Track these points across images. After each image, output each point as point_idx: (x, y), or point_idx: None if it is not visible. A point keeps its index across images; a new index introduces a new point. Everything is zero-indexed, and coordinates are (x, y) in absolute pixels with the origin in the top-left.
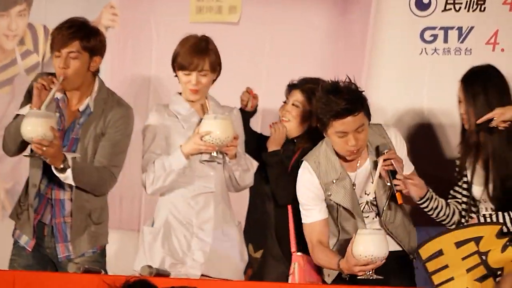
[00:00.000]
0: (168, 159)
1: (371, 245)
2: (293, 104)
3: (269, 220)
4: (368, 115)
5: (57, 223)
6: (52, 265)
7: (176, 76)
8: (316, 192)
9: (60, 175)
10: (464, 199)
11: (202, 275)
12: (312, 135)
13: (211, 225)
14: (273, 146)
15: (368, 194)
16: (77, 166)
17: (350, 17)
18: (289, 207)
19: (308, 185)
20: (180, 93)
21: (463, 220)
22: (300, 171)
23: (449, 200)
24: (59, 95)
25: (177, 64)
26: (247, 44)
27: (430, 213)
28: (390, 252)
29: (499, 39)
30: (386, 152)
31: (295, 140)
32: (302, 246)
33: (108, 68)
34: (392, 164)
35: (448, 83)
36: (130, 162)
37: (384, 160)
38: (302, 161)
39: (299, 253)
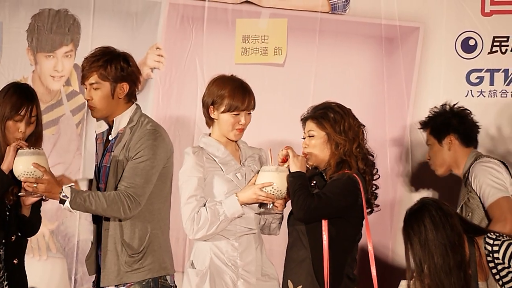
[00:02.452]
0: (222, 206)
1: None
2: (309, 136)
3: (307, 256)
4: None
5: (99, 255)
6: None
7: (210, 118)
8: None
9: (63, 207)
10: None
11: None
12: (340, 164)
13: (254, 266)
14: (295, 168)
15: None
16: (78, 195)
17: (394, 58)
18: (325, 243)
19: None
20: (209, 134)
21: None
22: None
23: None
24: (101, 129)
25: (226, 105)
26: (292, 85)
27: None
28: None
29: None
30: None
31: (323, 172)
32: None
33: (154, 107)
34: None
35: (494, 126)
36: (176, 202)
37: None
38: None
39: None
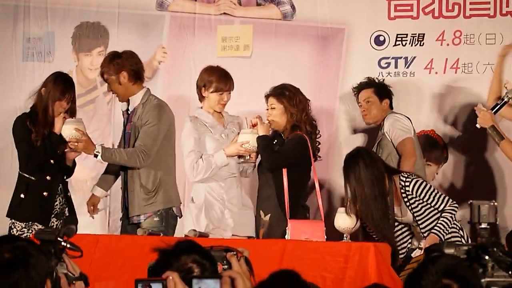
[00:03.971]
0: (213, 158)
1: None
2: (271, 108)
3: (273, 193)
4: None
5: (125, 196)
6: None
7: (202, 96)
8: None
9: (96, 159)
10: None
11: (233, 234)
12: (293, 128)
13: (236, 199)
14: (261, 132)
15: None
16: (106, 151)
17: (328, 51)
18: (285, 184)
19: None
20: (201, 107)
21: None
22: None
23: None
24: (123, 108)
25: (214, 87)
26: (257, 72)
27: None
28: None
29: (433, 65)
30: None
31: (281, 134)
32: (295, 211)
33: (161, 89)
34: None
35: (397, 98)
36: (178, 156)
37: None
38: None
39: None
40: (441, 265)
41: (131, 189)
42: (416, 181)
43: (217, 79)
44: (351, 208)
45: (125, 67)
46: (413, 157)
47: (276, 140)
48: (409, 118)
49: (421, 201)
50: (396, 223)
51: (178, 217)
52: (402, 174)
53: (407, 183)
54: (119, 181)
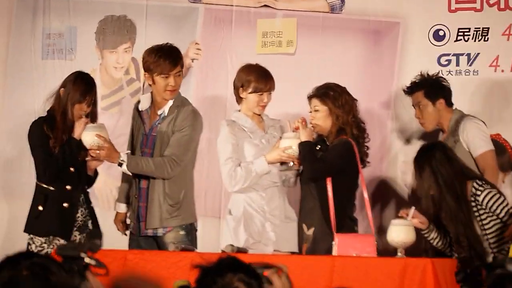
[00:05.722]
0: (253, 165)
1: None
2: (314, 111)
3: (317, 204)
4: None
5: (140, 206)
6: (155, 244)
7: (240, 97)
8: None
9: (121, 169)
10: None
11: (274, 250)
12: (339, 131)
13: (278, 211)
14: (304, 138)
15: None
16: (132, 160)
17: (381, 47)
18: (329, 194)
19: None
20: (239, 110)
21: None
22: None
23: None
24: (144, 107)
25: (253, 87)
26: (301, 70)
27: (430, 241)
28: None
29: (499, 62)
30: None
31: (325, 139)
32: (341, 224)
33: (194, 89)
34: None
35: (460, 99)
36: (214, 163)
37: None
38: None
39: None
40: None
41: (150, 199)
42: (489, 192)
43: (256, 78)
44: (423, 206)
45: (146, 68)
46: (496, 174)
47: (319, 146)
48: (484, 122)
49: (491, 214)
50: None
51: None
52: (476, 180)
53: (478, 192)
54: None
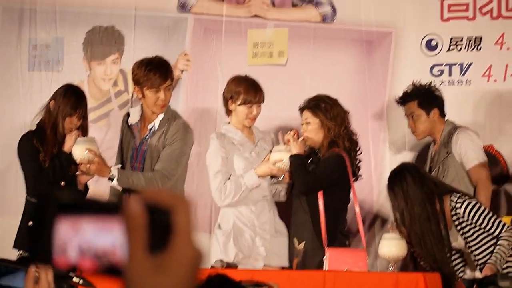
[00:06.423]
0: (243, 178)
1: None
2: (306, 123)
3: (308, 218)
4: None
5: None
6: None
7: (229, 109)
8: None
9: (111, 184)
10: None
11: (265, 265)
12: (331, 144)
13: (268, 225)
14: (295, 151)
15: None
16: (123, 174)
17: (373, 57)
18: (321, 208)
19: None
20: (229, 123)
21: None
22: None
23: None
24: (134, 121)
25: (242, 99)
26: (293, 81)
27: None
28: None
29: (492, 72)
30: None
31: (317, 151)
32: (333, 239)
33: (184, 101)
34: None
35: (453, 110)
36: (203, 177)
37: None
38: None
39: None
40: None
41: None
42: (469, 203)
43: (245, 90)
44: (399, 232)
45: (136, 82)
46: (490, 188)
47: (311, 158)
48: (477, 133)
49: (473, 226)
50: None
51: None
52: (453, 194)
53: (458, 205)
54: None
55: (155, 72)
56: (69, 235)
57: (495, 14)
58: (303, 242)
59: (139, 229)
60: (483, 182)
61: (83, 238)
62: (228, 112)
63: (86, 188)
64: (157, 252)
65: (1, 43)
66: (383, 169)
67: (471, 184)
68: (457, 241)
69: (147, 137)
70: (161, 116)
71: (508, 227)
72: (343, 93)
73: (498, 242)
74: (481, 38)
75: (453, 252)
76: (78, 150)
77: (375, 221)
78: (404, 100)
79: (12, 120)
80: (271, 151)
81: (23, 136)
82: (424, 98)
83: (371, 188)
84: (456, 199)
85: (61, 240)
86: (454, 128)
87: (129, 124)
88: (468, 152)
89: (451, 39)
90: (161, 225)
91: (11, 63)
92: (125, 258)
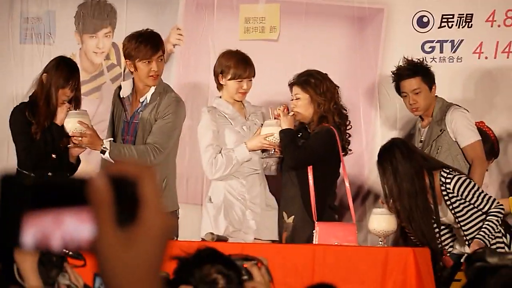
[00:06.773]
0: (234, 152)
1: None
2: (296, 98)
3: (297, 192)
4: None
5: None
6: None
7: (220, 84)
8: None
9: (103, 156)
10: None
11: (255, 238)
12: (321, 119)
13: (259, 198)
14: (285, 126)
15: None
16: (115, 147)
17: (365, 34)
18: (310, 182)
19: None
20: (220, 97)
21: None
22: None
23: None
24: (125, 94)
25: (232, 73)
26: (284, 56)
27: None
28: None
29: (483, 49)
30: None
31: (307, 126)
32: (322, 213)
33: (176, 76)
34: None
35: (443, 86)
36: (195, 150)
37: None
38: None
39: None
40: (502, 277)
41: None
42: (459, 178)
43: (235, 64)
44: (389, 206)
45: (127, 55)
46: (484, 164)
47: (301, 134)
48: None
49: (463, 201)
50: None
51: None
52: (443, 169)
53: (448, 180)
54: None
55: (146, 43)
56: (37, 218)
57: None
58: (292, 216)
59: (106, 203)
60: (479, 159)
61: (52, 220)
62: (219, 86)
63: (78, 160)
64: (126, 225)
65: None
66: (374, 146)
67: (464, 162)
68: (447, 216)
69: (138, 110)
70: (152, 89)
71: (498, 203)
72: (334, 69)
73: (487, 218)
74: (472, 15)
75: (442, 227)
76: (70, 123)
77: (367, 197)
78: (403, 75)
79: (5, 93)
80: (262, 125)
81: (15, 108)
82: (426, 73)
83: (362, 164)
84: (446, 174)
85: (30, 223)
86: (446, 105)
87: (121, 97)
88: (463, 130)
89: (442, 16)
90: (128, 198)
91: (3, 36)
92: (94, 234)
